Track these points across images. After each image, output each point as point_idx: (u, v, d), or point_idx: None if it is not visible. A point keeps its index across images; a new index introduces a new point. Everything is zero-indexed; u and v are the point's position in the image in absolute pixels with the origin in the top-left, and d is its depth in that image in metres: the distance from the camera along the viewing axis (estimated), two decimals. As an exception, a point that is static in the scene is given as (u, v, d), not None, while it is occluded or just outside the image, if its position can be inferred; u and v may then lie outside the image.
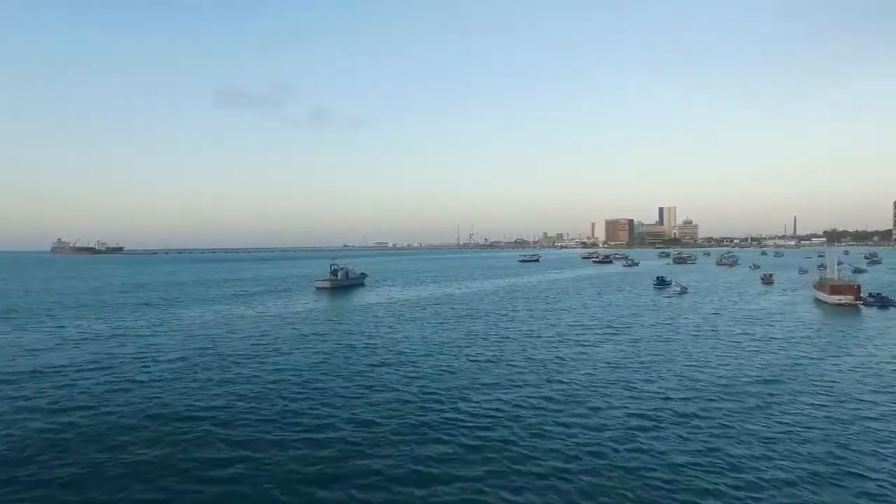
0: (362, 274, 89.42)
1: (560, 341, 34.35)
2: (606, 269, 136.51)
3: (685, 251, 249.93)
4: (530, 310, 51.33)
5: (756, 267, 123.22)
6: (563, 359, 28.95)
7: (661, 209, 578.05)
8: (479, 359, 29.19)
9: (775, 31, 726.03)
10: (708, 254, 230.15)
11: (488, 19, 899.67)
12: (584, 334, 37.25)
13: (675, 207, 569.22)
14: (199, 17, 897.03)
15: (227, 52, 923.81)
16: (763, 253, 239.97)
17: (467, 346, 32.77)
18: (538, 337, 36.19)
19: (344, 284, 79.93)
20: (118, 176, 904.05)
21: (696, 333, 36.82)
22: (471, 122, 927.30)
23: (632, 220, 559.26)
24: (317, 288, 76.89)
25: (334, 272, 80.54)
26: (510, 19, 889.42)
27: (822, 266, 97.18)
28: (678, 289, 64.90)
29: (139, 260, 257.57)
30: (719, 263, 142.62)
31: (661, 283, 74.32)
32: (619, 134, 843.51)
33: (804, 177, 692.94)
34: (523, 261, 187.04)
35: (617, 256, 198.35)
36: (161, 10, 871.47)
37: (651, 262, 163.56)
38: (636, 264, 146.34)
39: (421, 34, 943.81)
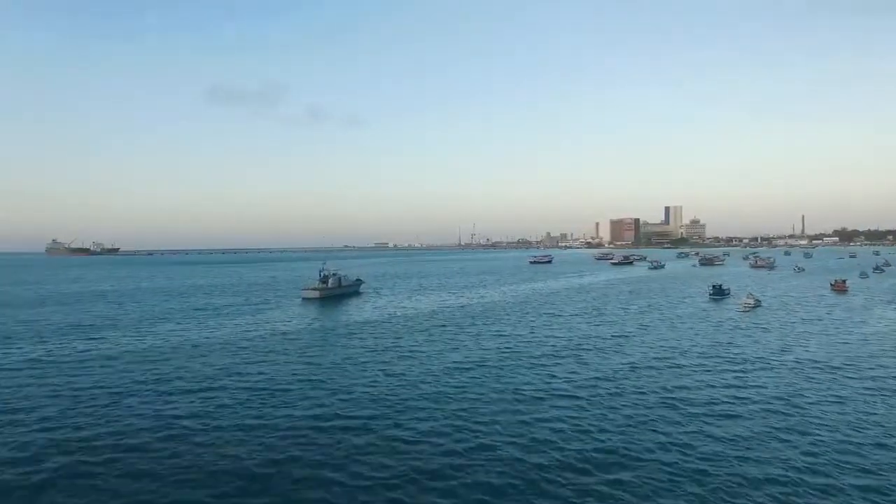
0: (358, 280, 76.63)
1: (655, 399, 21.64)
2: (630, 272, 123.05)
3: (711, 252, 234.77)
4: (579, 335, 38.54)
5: (800, 270, 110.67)
6: (687, 446, 16.23)
7: (667, 208, 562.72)
8: (531, 442, 16.51)
9: (776, 31, 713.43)
10: (727, 254, 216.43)
11: (488, 19, 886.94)
12: (679, 379, 24.82)
13: (681, 207, 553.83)
14: (196, 16, 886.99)
15: (224, 50, 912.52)
16: (786, 253, 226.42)
17: (509, 412, 20.07)
18: (617, 393, 23.26)
19: (336, 293, 67.32)
20: (115, 176, 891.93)
21: (861, 389, 24.07)
22: (471, 122, 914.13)
23: (637, 220, 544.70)
24: (303, 298, 64.40)
25: (324, 279, 67.92)
26: (510, 19, 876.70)
27: None
28: (751, 302, 51.75)
29: (131, 262, 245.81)
30: (754, 266, 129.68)
31: (719, 292, 61.35)
32: (621, 133, 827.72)
33: (806, 176, 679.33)
34: (535, 262, 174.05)
35: (636, 258, 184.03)
36: (158, 9, 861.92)
37: (674, 265, 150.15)
38: (662, 266, 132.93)
39: (420, 34, 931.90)
